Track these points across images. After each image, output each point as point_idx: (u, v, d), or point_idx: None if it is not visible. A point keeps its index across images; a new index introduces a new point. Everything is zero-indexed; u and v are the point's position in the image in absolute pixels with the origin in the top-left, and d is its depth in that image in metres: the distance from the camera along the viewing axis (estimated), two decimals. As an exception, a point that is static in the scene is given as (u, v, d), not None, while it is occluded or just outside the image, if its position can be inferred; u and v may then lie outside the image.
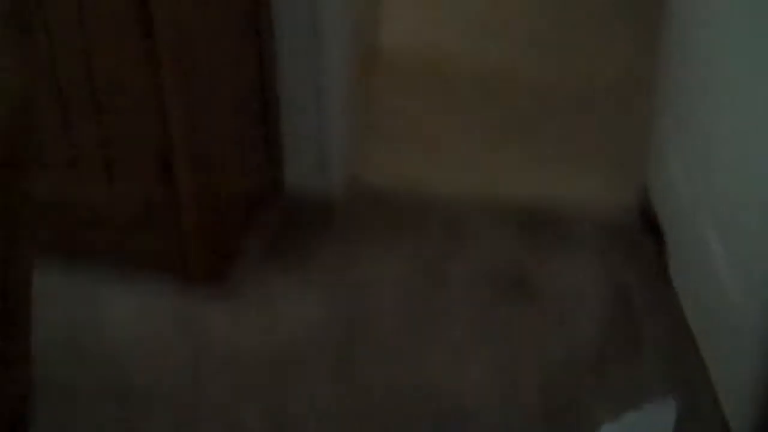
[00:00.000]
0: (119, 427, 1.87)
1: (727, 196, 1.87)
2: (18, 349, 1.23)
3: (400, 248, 2.29)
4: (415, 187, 2.53)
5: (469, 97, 3.02)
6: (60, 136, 2.03)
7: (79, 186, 2.08)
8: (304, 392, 1.94)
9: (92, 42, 1.90)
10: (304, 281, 2.18)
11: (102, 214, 2.10)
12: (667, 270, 2.17)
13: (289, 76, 2.36)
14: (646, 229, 2.31)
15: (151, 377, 1.96)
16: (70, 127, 2.02)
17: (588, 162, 2.64)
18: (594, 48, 3.34)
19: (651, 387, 1.94)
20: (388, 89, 3.05)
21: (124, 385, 1.94)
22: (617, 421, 1.85)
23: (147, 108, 1.94)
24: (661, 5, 2.32)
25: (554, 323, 2.10)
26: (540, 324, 2.09)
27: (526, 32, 3.49)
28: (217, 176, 2.12)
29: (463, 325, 2.08)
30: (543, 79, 3.14)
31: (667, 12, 2.24)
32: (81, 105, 1.99)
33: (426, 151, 2.72)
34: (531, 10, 3.67)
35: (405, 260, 2.25)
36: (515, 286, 2.18)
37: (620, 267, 2.23)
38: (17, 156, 1.14)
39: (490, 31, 3.48)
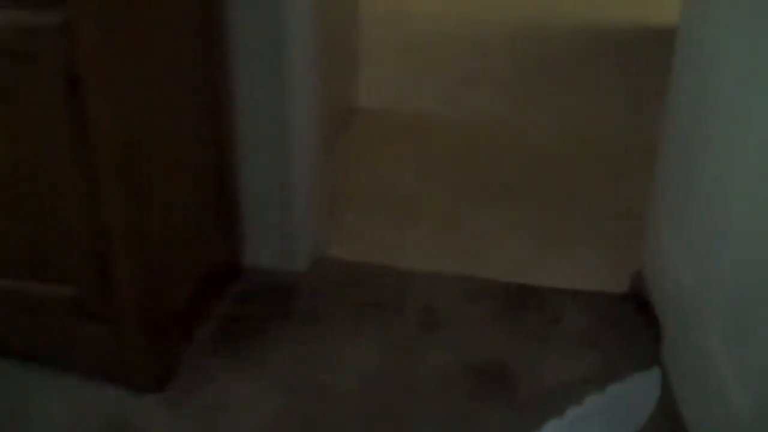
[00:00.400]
0: None
1: (732, 289, 1.65)
2: None
3: (368, 336, 2.07)
4: (388, 263, 2.31)
5: (450, 161, 2.82)
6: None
7: (11, 281, 1.87)
8: None
9: (15, 127, 1.70)
10: (259, 379, 1.95)
11: (33, 309, 1.88)
12: (663, 364, 1.95)
13: (250, 146, 2.16)
14: (640, 317, 2.10)
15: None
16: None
17: (578, 238, 2.42)
18: (587, 109, 3.15)
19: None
20: (362, 153, 2.85)
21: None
22: (602, 392, 1.67)
23: (77, 200, 1.73)
24: (663, 70, 2.13)
25: (534, 423, 1.87)
26: (518, 423, 1.86)
27: (514, 91, 3.29)
28: (162, 269, 1.90)
29: (434, 426, 1.86)
30: (531, 142, 2.94)
31: (670, 90, 2.04)
32: (3, 196, 1.78)
33: (402, 221, 2.51)
34: (519, 68, 3.48)
35: (373, 351, 2.02)
36: (494, 380, 1.96)
37: (610, 359, 2.00)
38: None
39: (474, 89, 3.29)
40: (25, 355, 1.93)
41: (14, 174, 1.75)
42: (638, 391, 1.76)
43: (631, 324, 2.10)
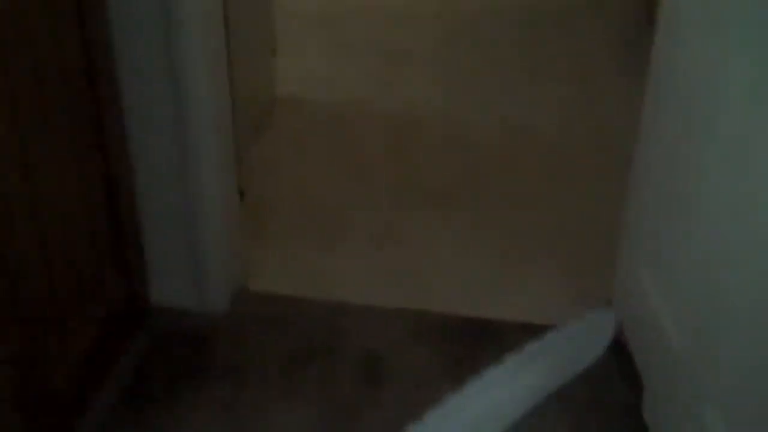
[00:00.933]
0: None
1: (738, 361, 1.39)
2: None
3: (302, 396, 1.75)
4: (318, 296, 2.00)
5: (382, 161, 2.50)
6: None
7: None
8: None
9: None
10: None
11: None
12: (642, 420, 1.69)
13: (146, 166, 1.81)
14: (614, 360, 1.83)
15: None
16: None
17: (537, 257, 2.14)
18: (534, 94, 2.84)
19: None
20: (283, 155, 2.51)
21: None
22: (559, 330, 1.80)
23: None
24: (615, 43, 1.84)
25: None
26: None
27: (450, 73, 2.97)
28: (44, 329, 1.55)
29: None
30: (475, 137, 2.63)
31: (648, 102, 1.75)
32: None
33: (331, 239, 2.20)
34: (453, 44, 3.16)
35: (309, 416, 1.71)
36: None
37: (579, 413, 1.74)
38: None
39: (404, 71, 2.96)
40: None
41: None
42: (592, 330, 1.85)
43: (603, 368, 1.83)
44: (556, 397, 1.75)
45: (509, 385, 1.75)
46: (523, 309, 1.96)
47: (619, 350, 1.81)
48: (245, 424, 1.69)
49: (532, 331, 1.89)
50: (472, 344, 1.88)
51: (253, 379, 1.79)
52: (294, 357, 1.84)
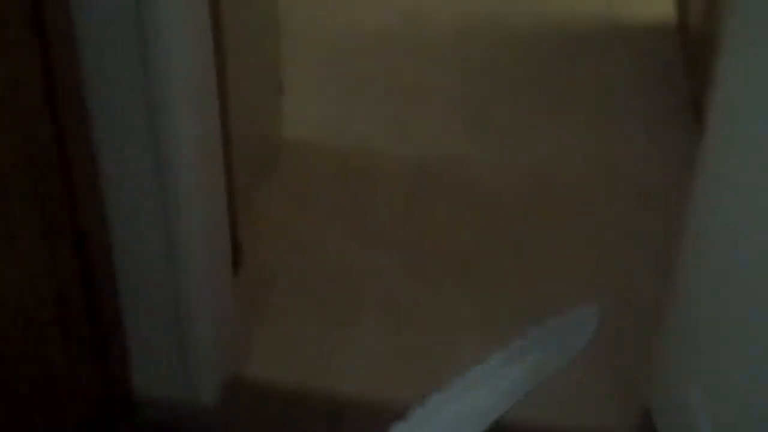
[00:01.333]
0: None
1: None
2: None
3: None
4: (320, 387, 1.79)
5: (399, 219, 2.28)
6: None
7: None
8: None
9: None
10: None
11: None
12: None
13: (125, 240, 1.61)
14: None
15: None
16: None
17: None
18: (568, 138, 2.61)
19: None
20: (286, 209, 2.29)
21: None
22: (544, 326, 1.54)
23: None
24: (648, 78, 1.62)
25: None
26: None
27: (472, 114, 2.74)
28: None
29: None
30: (493, 182, 2.41)
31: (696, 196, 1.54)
32: None
33: (338, 314, 1.99)
34: (474, 79, 2.93)
35: None
36: None
37: None
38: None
39: (422, 111, 2.74)
40: None
41: None
42: (574, 325, 1.63)
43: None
44: None
45: (493, 383, 1.63)
46: (550, 410, 1.75)
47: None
48: None
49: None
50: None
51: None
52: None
